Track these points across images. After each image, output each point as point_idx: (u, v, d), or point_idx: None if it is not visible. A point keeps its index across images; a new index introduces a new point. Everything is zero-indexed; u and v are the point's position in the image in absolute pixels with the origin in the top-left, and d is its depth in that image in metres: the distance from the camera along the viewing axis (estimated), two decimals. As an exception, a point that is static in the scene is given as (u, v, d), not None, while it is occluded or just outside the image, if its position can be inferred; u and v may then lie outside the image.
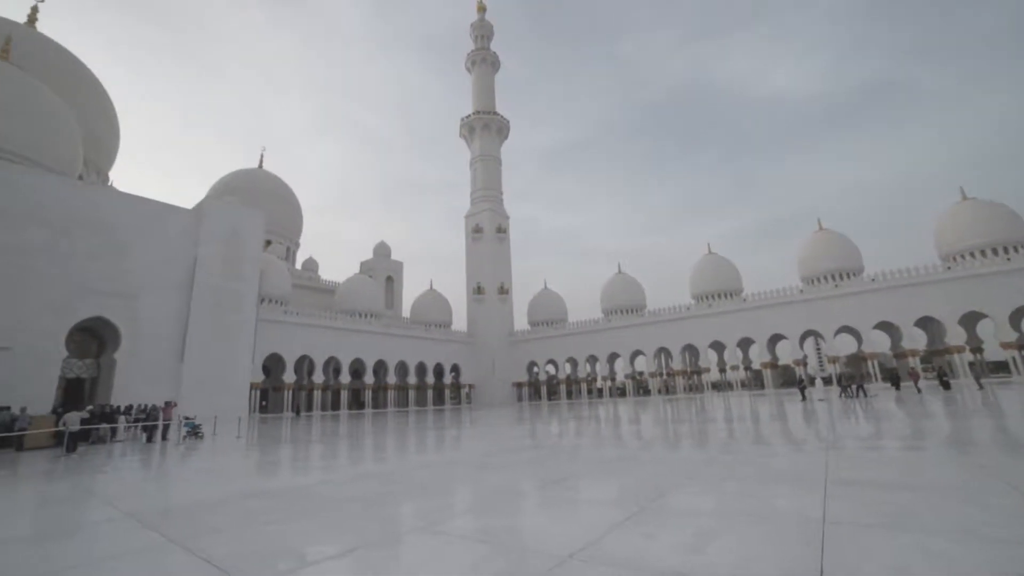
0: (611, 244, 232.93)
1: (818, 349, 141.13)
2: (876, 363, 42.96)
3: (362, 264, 69.23)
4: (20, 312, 25.38)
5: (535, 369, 60.80)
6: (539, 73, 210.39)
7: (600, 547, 4.29)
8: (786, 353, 47.99)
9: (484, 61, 72.64)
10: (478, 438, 17.73)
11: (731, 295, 51.33)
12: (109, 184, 46.44)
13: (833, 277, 46.30)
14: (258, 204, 44.52)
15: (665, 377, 56.72)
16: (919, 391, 28.43)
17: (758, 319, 46.03)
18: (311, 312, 44.35)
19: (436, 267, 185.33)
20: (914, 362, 39.78)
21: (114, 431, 19.90)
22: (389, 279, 69.05)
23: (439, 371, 54.71)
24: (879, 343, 44.46)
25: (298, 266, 61.86)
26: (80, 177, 36.85)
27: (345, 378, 44.14)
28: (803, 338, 45.97)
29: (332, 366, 44.36)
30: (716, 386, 59.94)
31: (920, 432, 11.76)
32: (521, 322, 64.98)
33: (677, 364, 49.66)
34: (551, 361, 58.37)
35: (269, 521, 6.28)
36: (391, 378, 48.57)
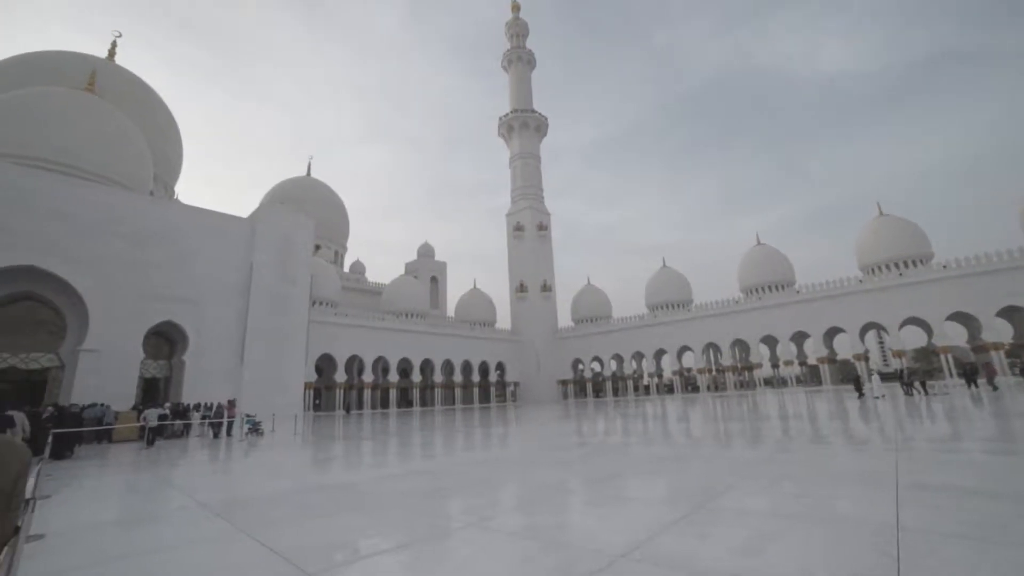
0: (654, 238, 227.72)
1: (881, 343, 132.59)
2: (950, 357, 39.80)
3: (407, 265, 70.86)
4: (106, 318, 27.65)
5: (580, 366, 60.31)
6: (575, 69, 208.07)
7: (652, 547, 4.22)
8: (845, 347, 45.33)
9: (520, 60, 72.60)
10: (524, 436, 17.80)
11: (782, 287, 49.03)
12: (175, 198, 49.86)
13: (897, 265, 43.32)
14: (307, 211, 46.43)
15: (714, 373, 54.92)
16: (994, 388, 26.18)
17: (813, 312, 43.73)
18: (360, 313, 45.85)
19: (479, 266, 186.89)
20: (996, 356, 36.58)
21: (187, 427, 21.38)
22: (433, 279, 70.31)
23: (484, 369, 55.21)
24: (954, 336, 41.20)
25: (346, 269, 64.03)
26: (151, 193, 39.61)
27: (393, 377, 45.41)
28: (864, 331, 43.25)
29: (381, 365, 45.66)
30: (769, 382, 57.55)
31: (1005, 433, 10.85)
32: (565, 319, 64.68)
33: (727, 360, 47.94)
34: (596, 358, 57.75)
35: (326, 514, 6.56)
36: (438, 377, 49.46)
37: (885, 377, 44.48)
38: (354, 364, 43.35)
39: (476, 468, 10.32)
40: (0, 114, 32.25)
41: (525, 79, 72.65)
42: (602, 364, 57.79)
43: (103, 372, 27.05)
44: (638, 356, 55.32)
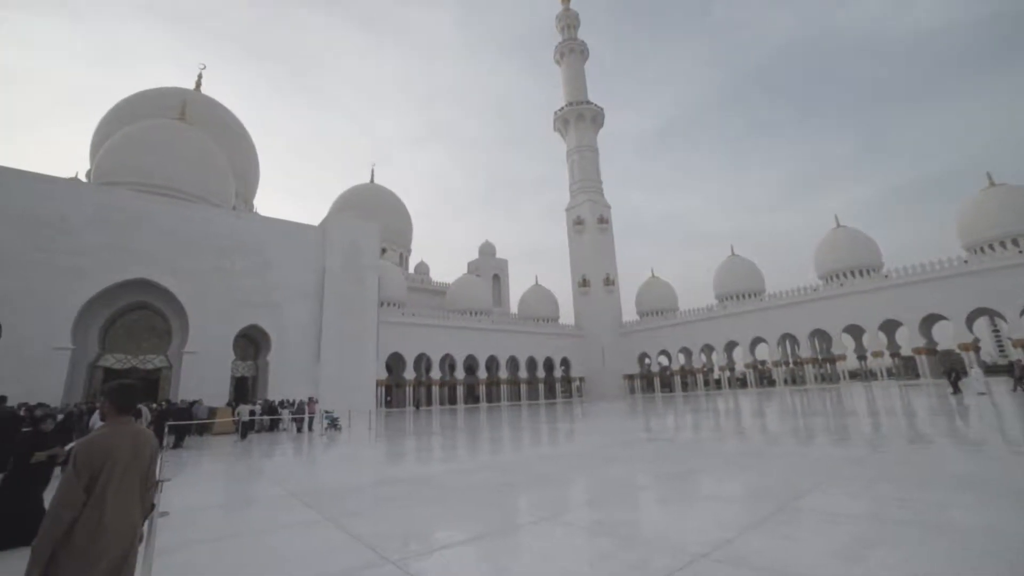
0: (721, 226, 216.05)
1: (995, 331, 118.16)
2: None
3: (469, 264, 72.17)
4: (202, 323, 30.51)
5: (646, 361, 58.73)
6: (631, 55, 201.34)
7: (735, 547, 4.04)
8: (947, 336, 40.82)
9: (572, 51, 71.60)
10: (592, 431, 17.62)
11: (868, 272, 44.96)
12: (254, 211, 53.99)
13: (1015, 242, 38.43)
14: (372, 216, 48.55)
15: (791, 366, 51.53)
16: None
17: (906, 297, 39.74)
18: (425, 313, 47.30)
19: (540, 262, 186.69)
20: None
21: (275, 422, 23.12)
22: (495, 277, 71.14)
23: (549, 365, 55.20)
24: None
25: (411, 270, 66.23)
26: (234, 207, 43.09)
27: (460, 374, 46.49)
28: (971, 318, 38.70)
29: (447, 363, 46.90)
30: (855, 375, 53.14)
31: None
32: (629, 313, 63.22)
33: (805, 351, 44.76)
34: (663, 352, 55.93)
35: (403, 505, 6.85)
36: (503, 373, 50.05)
37: (992, 370, 39.63)
38: (422, 362, 44.81)
39: (544, 463, 10.36)
40: (119, 148, 36.55)
41: (578, 71, 71.58)
42: (669, 358, 55.88)
43: (202, 372, 29.84)
44: (707, 349, 52.98)
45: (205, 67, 57.62)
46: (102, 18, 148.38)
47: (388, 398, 44.10)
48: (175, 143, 37.76)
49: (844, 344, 44.17)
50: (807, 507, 5.17)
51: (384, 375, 39.68)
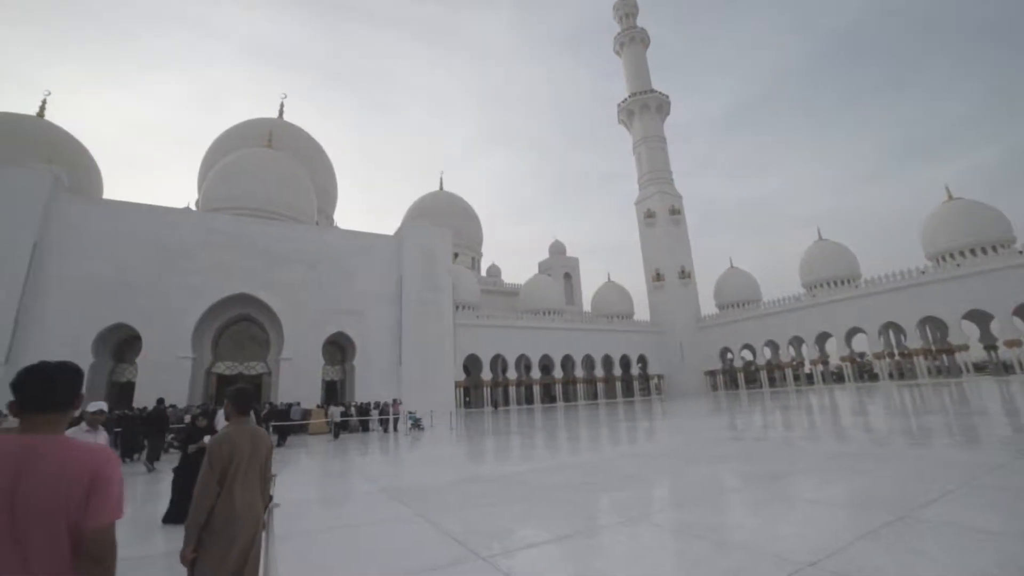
0: (806, 208, 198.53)
1: None
2: None
3: (540, 264, 72.39)
4: (295, 332, 33.12)
5: (729, 355, 55.57)
6: (697, 36, 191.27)
7: (849, 560, 3.70)
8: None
9: (633, 40, 69.58)
10: (674, 430, 17.01)
11: (992, 248, 39.36)
12: (335, 225, 57.76)
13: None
14: (444, 223, 50.11)
15: (897, 358, 46.39)
16: None
17: (1048, 276, 34.45)
18: (499, 314, 48.07)
19: (611, 258, 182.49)
20: None
21: (364, 423, 24.58)
22: (567, 276, 70.78)
23: (625, 363, 53.95)
24: None
25: (483, 273, 67.56)
26: (316, 223, 46.31)
27: (535, 374, 46.66)
28: None
29: (523, 363, 47.28)
30: (981, 367, 46.81)
31: None
32: (708, 306, 60.26)
33: (914, 342, 40.11)
34: (747, 346, 52.59)
35: (489, 503, 6.99)
36: (578, 372, 49.65)
37: None
38: (498, 363, 45.53)
39: (626, 462, 10.13)
40: (219, 177, 40.77)
41: (640, 59, 69.47)
42: (754, 352, 52.44)
43: (296, 376, 32.34)
44: (796, 342, 49.11)
45: (286, 96, 63.06)
46: (200, 65, 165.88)
47: (467, 399, 45.27)
48: (264, 168, 41.34)
49: (965, 333, 39.06)
50: (936, 518, 4.61)
51: (462, 376, 40.76)
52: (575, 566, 4.27)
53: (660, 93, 66.20)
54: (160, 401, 15.77)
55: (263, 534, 3.14)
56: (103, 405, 4.97)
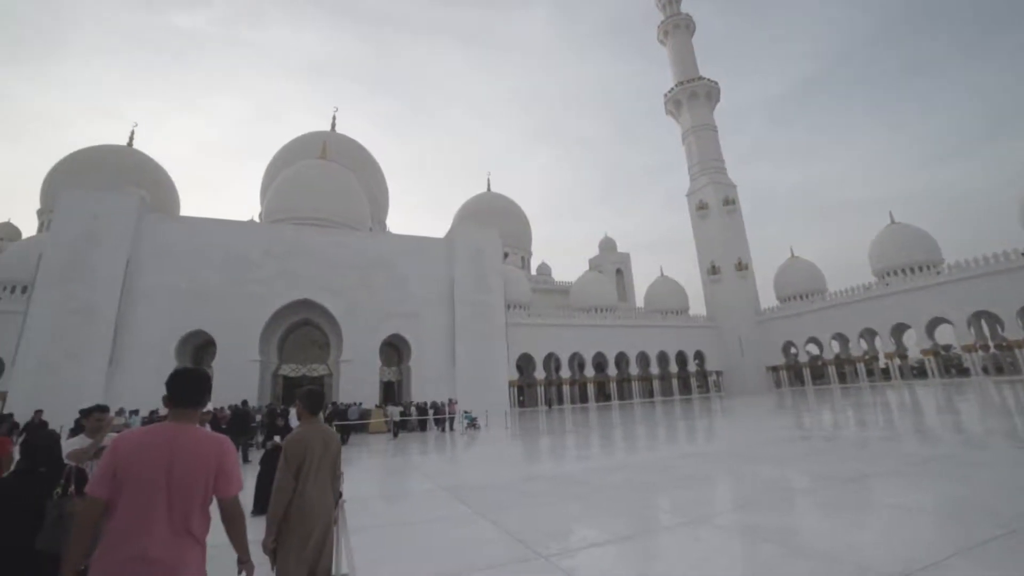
0: (874, 191, 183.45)
1: None
2: None
3: (590, 261, 71.54)
4: (354, 334, 34.53)
5: (792, 350, 52.56)
6: (746, 17, 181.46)
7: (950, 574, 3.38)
8: None
9: (677, 27, 67.27)
10: (736, 428, 16.37)
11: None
12: (387, 230, 59.63)
13: None
14: (492, 223, 50.54)
15: (993, 351, 42.12)
16: None
17: None
18: (550, 313, 47.91)
19: (664, 253, 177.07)
20: None
21: (422, 422, 25.25)
22: (618, 272, 69.58)
23: (681, 359, 52.24)
24: None
25: (533, 272, 67.60)
26: (370, 229, 48.00)
27: (589, 372, 46.14)
28: None
29: (576, 361, 46.90)
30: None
31: None
32: (767, 299, 57.31)
33: (1014, 332, 36.23)
34: (812, 339, 49.45)
35: (548, 502, 7.00)
36: (633, 369, 48.63)
37: None
38: (551, 361, 45.39)
39: (686, 462, 9.86)
40: (278, 189, 43.22)
41: (686, 46, 67.06)
42: (820, 346, 49.28)
43: (355, 378, 33.65)
44: (868, 334, 45.62)
45: (338, 109, 66.09)
46: (258, 85, 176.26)
47: (521, 398, 45.47)
48: (319, 180, 43.33)
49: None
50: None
51: (515, 376, 40.98)
52: (637, 567, 4.21)
53: (708, 80, 63.67)
54: (244, 403, 17.15)
55: (336, 527, 3.32)
56: (209, 406, 5.56)
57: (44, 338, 27.28)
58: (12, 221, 47.82)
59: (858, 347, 45.42)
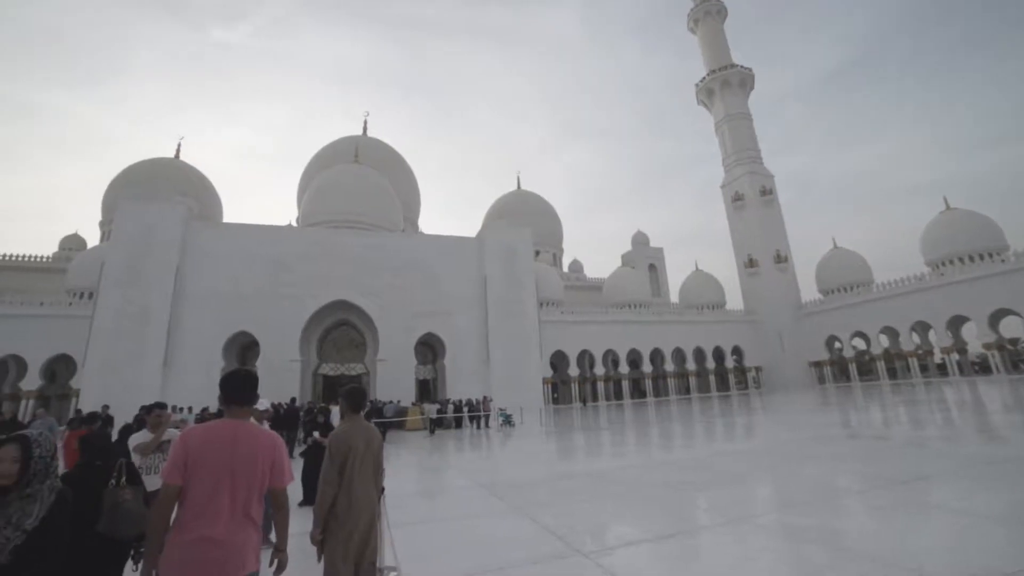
0: (925, 175, 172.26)
1: None
2: None
3: (623, 257, 70.66)
4: (389, 334, 35.29)
5: (836, 345, 50.38)
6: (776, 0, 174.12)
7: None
8: None
9: (708, 14, 65.40)
10: (777, 425, 15.89)
11: None
12: (419, 231, 60.52)
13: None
14: (523, 221, 50.62)
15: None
16: None
17: None
18: (583, 310, 47.53)
19: (699, 246, 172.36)
20: None
21: (458, 420, 25.58)
22: (651, 267, 68.49)
23: (719, 355, 50.93)
24: None
25: (565, 269, 67.33)
26: (403, 230, 48.85)
27: (624, 369, 45.57)
28: None
29: (610, 358, 46.43)
30: None
31: None
32: (808, 292, 55.13)
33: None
34: (858, 333, 47.19)
35: (585, 500, 7.00)
36: (668, 366, 47.81)
37: None
38: (585, 358, 45.08)
39: (726, 460, 9.66)
40: (314, 194, 44.58)
41: (718, 34, 65.18)
42: (867, 340, 47.03)
43: (391, 376, 34.36)
44: (921, 327, 43.20)
45: (369, 113, 67.45)
46: (293, 91, 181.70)
47: (554, 395, 45.41)
48: (353, 183, 44.41)
49: None
50: None
51: (549, 373, 40.94)
52: (677, 566, 4.18)
53: (742, 67, 61.70)
54: (293, 400, 18.27)
55: (380, 521, 3.44)
56: (267, 403, 6.03)
57: (107, 340, 29.14)
58: (79, 232, 50.99)
59: (910, 341, 43.19)
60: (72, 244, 49.18)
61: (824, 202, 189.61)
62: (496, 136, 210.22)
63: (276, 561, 2.48)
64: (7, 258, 43.89)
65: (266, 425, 5.88)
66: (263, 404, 6.15)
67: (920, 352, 44.17)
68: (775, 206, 56.86)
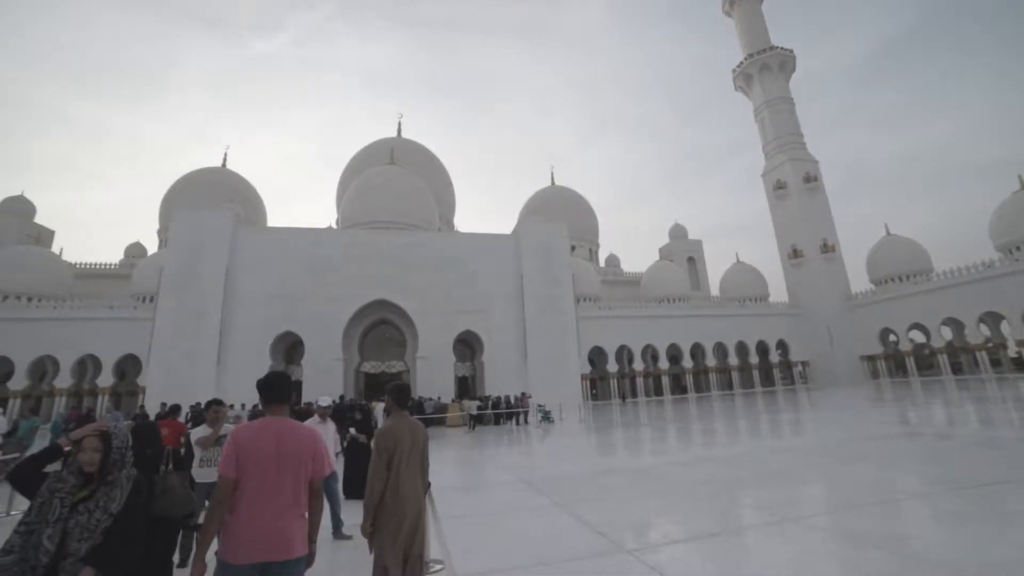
0: (991, 152, 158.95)
1: None
2: None
3: (660, 250, 69.24)
4: (428, 332, 35.92)
5: (891, 338, 47.62)
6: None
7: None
8: None
9: (746, -7, 62.98)
10: (827, 422, 15.24)
11: None
12: (455, 229, 61.18)
13: None
14: (558, 217, 50.28)
15: None
16: None
17: None
18: (621, 304, 46.86)
19: (739, 238, 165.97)
20: None
21: (496, 416, 25.76)
22: (690, 260, 66.87)
23: (762, 349, 49.19)
24: None
25: (602, 264, 66.49)
26: (439, 229, 49.50)
27: (663, 364, 44.69)
28: None
29: (649, 353, 45.62)
30: None
31: None
32: (858, 282, 52.33)
33: None
34: (916, 325, 44.27)
35: (627, 496, 6.93)
36: (710, 361, 46.52)
37: None
38: (623, 354, 44.47)
39: (773, 457, 9.35)
40: (352, 196, 45.82)
41: (755, 15, 62.56)
42: (927, 333, 44.21)
43: (431, 373, 34.95)
44: (992, 318, 40.23)
45: (402, 115, 68.78)
46: (329, 97, 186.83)
47: (593, 391, 45.00)
48: (389, 184, 45.32)
49: None
50: None
51: (587, 369, 40.63)
52: (726, 566, 4.08)
53: (782, 49, 59.02)
54: (341, 398, 18.98)
55: (427, 514, 3.52)
56: (329, 399, 6.39)
57: (167, 340, 30.99)
58: (141, 241, 54.35)
59: (977, 333, 40.23)
60: (135, 252, 52.37)
61: (876, 187, 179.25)
62: (528, 132, 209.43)
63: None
64: (82, 266, 47.16)
65: (329, 426, 6.20)
66: (325, 400, 6.45)
67: (991, 345, 41.12)
68: (820, 193, 54.32)
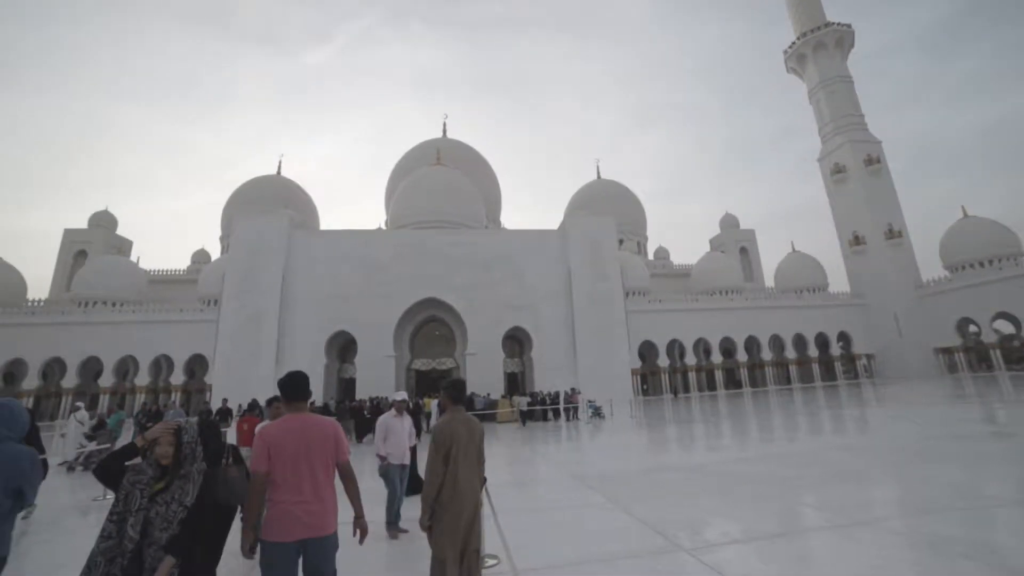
0: None
1: None
2: None
3: (711, 241, 66.95)
4: (477, 329, 36.43)
5: (972, 328, 43.71)
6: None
7: None
8: None
9: (800, -33, 59.30)
10: (898, 418, 14.27)
11: None
12: (502, 226, 61.51)
13: None
14: (605, 210, 49.52)
15: None
16: None
17: None
18: (671, 297, 45.57)
19: (794, 226, 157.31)
20: None
21: (544, 412, 25.77)
22: (742, 250, 64.25)
23: (822, 341, 46.54)
24: None
25: (650, 256, 65.01)
26: (486, 227, 49.96)
27: (716, 358, 43.19)
28: None
29: (702, 347, 44.20)
30: None
31: None
32: (929, 269, 48.27)
33: None
34: (1002, 314, 40.35)
35: (683, 494, 6.77)
36: (766, 354, 44.50)
37: None
38: (675, 348, 43.31)
39: (839, 456, 8.85)
40: (400, 197, 47.12)
41: (811, -11, 59.00)
42: (1017, 323, 40.37)
43: (481, 369, 35.37)
44: (1099, 305, 36.08)
45: (447, 116, 69.83)
46: (377, 101, 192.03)
47: (644, 386, 44.14)
48: (437, 184, 46.20)
49: None
50: None
51: (638, 364, 39.88)
52: (794, 569, 3.91)
53: (838, 24, 55.20)
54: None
55: (483, 508, 3.59)
56: (404, 394, 6.66)
57: (230, 341, 33.02)
58: (205, 247, 58.19)
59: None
60: (200, 258, 56.08)
61: (950, 166, 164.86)
62: (573, 126, 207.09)
63: (358, 529, 2.99)
64: (155, 273, 50.99)
65: (406, 420, 6.41)
66: (401, 395, 6.68)
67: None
68: (884, 175, 50.62)
